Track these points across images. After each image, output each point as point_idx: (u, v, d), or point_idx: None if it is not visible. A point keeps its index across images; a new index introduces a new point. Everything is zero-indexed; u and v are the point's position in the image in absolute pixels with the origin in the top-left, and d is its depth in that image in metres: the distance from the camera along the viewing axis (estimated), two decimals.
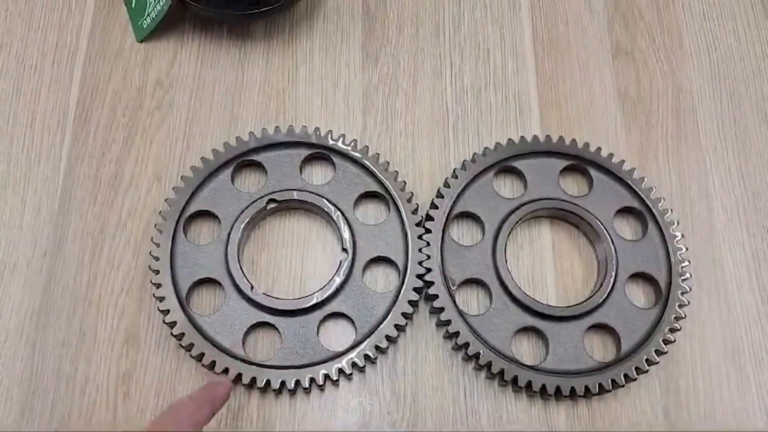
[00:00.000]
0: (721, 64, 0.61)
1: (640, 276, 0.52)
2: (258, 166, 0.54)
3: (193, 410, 0.38)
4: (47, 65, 0.57)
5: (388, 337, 0.49)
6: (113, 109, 0.56)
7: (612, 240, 0.53)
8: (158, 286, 0.49)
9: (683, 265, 0.51)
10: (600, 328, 0.51)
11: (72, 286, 0.51)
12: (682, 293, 0.51)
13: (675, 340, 0.49)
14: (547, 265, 0.53)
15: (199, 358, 0.48)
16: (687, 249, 0.52)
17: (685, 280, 0.51)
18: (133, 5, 0.58)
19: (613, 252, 0.52)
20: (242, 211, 0.52)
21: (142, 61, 0.58)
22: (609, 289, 0.51)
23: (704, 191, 0.56)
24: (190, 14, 0.58)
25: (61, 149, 0.55)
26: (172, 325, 0.48)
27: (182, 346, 0.48)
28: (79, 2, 0.59)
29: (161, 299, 0.49)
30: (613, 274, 0.51)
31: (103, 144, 0.55)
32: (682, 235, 0.52)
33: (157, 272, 0.49)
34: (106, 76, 0.57)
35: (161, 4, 0.55)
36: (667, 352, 0.49)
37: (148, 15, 0.56)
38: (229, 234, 0.51)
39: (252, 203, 0.52)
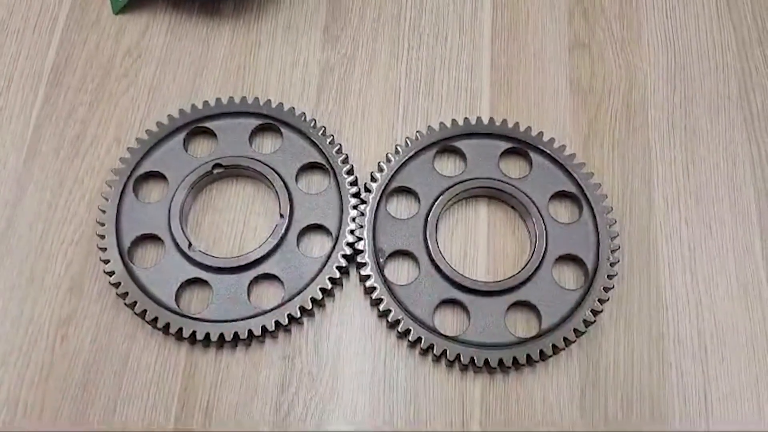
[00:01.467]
0: (678, 59, 0.61)
1: (569, 258, 0.53)
2: (210, 133, 0.57)
3: None
4: (28, 30, 0.62)
5: (313, 300, 0.50)
6: (84, 75, 0.60)
7: (544, 222, 0.53)
8: (102, 237, 0.52)
9: (613, 249, 0.52)
10: (523, 305, 0.51)
11: (27, 234, 0.54)
12: (609, 276, 0.51)
13: (595, 321, 0.50)
14: (480, 243, 0.54)
15: (133, 306, 0.50)
16: (619, 235, 0.53)
17: (612, 264, 0.51)
18: None
19: (544, 232, 0.53)
20: (189, 173, 0.55)
21: (115, 31, 0.61)
22: (535, 268, 0.52)
23: (646, 181, 0.56)
24: None
25: (32, 109, 0.59)
26: (111, 274, 0.51)
27: (119, 295, 0.51)
28: None
29: (104, 250, 0.52)
30: (542, 253, 0.52)
31: (70, 106, 0.59)
32: (616, 221, 0.53)
33: (102, 224, 0.52)
34: (81, 43, 0.61)
35: None
36: (585, 332, 0.49)
37: None
38: (174, 193, 0.54)
39: (199, 166, 0.55)
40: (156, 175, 0.55)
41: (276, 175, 0.55)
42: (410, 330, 0.49)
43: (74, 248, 0.54)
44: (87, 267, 0.53)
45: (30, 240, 0.54)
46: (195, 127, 0.56)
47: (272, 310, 0.50)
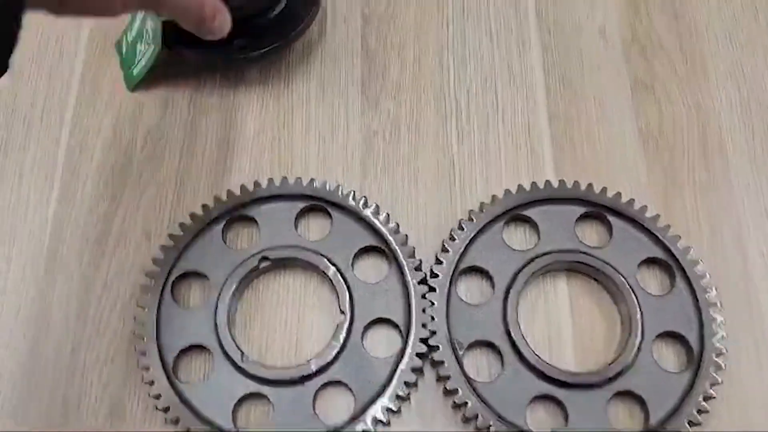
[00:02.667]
0: (751, 94, 0.56)
1: (668, 335, 0.48)
2: (250, 220, 0.51)
3: None
4: (36, 116, 0.55)
5: (389, 410, 0.45)
6: (103, 162, 0.54)
7: (636, 295, 0.48)
8: (143, 353, 0.46)
9: (716, 322, 0.46)
10: (625, 395, 0.46)
11: (55, 357, 0.48)
12: (717, 355, 0.46)
13: (710, 410, 0.44)
14: (564, 324, 0.49)
15: None
16: (720, 304, 0.47)
17: (719, 339, 0.46)
18: (124, 53, 0.56)
19: (638, 308, 0.47)
20: (233, 271, 0.49)
21: (132, 110, 0.55)
22: (635, 352, 0.46)
23: (737, 237, 0.51)
24: (182, 61, 0.56)
25: (48, 205, 0.52)
26: (157, 397, 0.45)
27: (169, 421, 0.45)
28: (69, 52, 0.58)
29: (146, 369, 0.46)
30: (639, 333, 0.47)
31: (91, 199, 0.52)
32: (715, 289, 0.47)
33: (142, 338, 0.46)
34: (95, 127, 0.55)
35: (150, 51, 0.52)
36: (701, 423, 0.44)
37: (138, 62, 0.54)
38: (219, 296, 0.48)
39: (243, 262, 0.49)
40: (195, 275, 0.49)
41: (330, 264, 0.49)
42: None
43: (110, 367, 0.48)
44: (127, 388, 0.47)
45: (58, 363, 0.48)
46: (233, 215, 0.51)
47: (345, 425, 0.44)
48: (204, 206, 0.50)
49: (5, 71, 0.32)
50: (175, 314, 0.48)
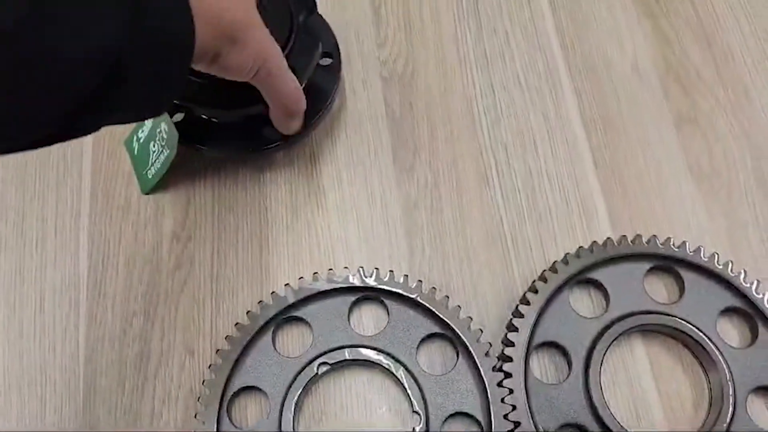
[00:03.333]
0: None
1: (761, 390, 0.45)
2: (300, 321, 0.47)
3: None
4: (49, 234, 0.51)
5: None
6: (128, 276, 0.50)
7: (719, 350, 0.45)
8: None
9: None
10: None
11: None
12: None
13: None
14: (649, 391, 0.46)
15: None
16: None
17: None
18: (135, 152, 0.52)
19: (724, 365, 0.45)
20: (291, 383, 0.45)
21: (152, 214, 0.51)
22: (730, 413, 0.44)
23: None
24: (200, 154, 0.52)
25: (77, 332, 0.48)
26: None
27: None
28: (75, 158, 0.53)
29: None
30: (731, 393, 0.44)
31: (123, 319, 0.48)
32: None
33: None
34: (115, 237, 0.51)
35: (165, 155, 0.48)
36: None
37: (153, 165, 0.50)
38: (281, 411, 0.44)
39: (301, 371, 0.45)
40: (251, 390, 0.46)
41: (394, 361, 0.45)
42: None
43: None
44: None
45: None
46: (281, 319, 0.47)
47: None
48: (249, 313, 0.46)
49: (161, 113, 0.38)
50: None
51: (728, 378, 0.44)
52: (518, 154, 0.53)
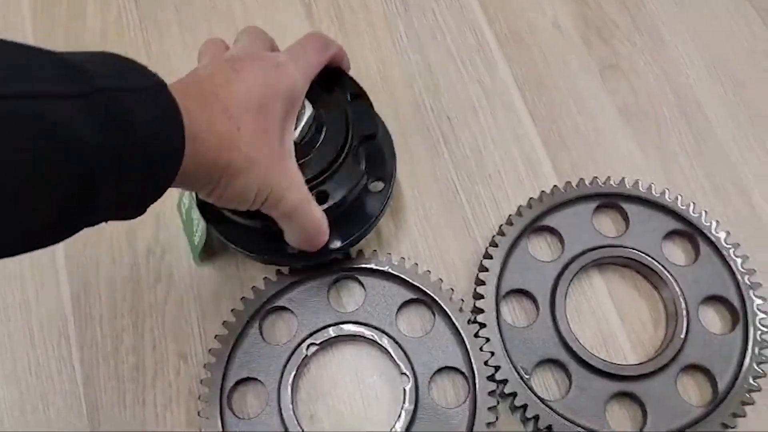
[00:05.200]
0: (711, 50, 0.58)
1: (710, 300, 0.49)
2: (283, 309, 0.50)
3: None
4: (26, 270, 0.53)
5: None
6: (112, 296, 0.51)
7: (668, 271, 0.49)
8: None
9: (749, 274, 0.48)
10: (690, 369, 0.47)
11: None
12: (759, 306, 0.48)
13: None
14: (612, 319, 0.50)
15: None
16: (748, 256, 0.49)
17: (757, 291, 0.48)
18: (183, 217, 0.51)
19: (674, 283, 0.49)
20: (284, 367, 0.48)
21: (125, 234, 0.53)
22: (685, 325, 0.48)
23: (740, 187, 0.53)
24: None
25: (70, 357, 0.50)
26: None
27: None
28: None
29: None
30: (683, 307, 0.48)
31: (113, 337, 0.50)
32: (738, 244, 0.49)
33: None
34: (92, 263, 0.53)
35: (203, 222, 0.47)
36: (765, 374, 0.46)
37: (196, 232, 0.49)
38: (279, 396, 0.47)
39: (292, 355, 0.48)
40: (247, 381, 0.48)
41: (376, 331, 0.48)
42: None
43: None
44: None
45: None
46: (265, 310, 0.49)
47: None
48: (234, 310, 0.49)
49: (141, 215, 0.35)
50: (241, 428, 0.46)
51: (679, 293, 0.49)
52: (462, 124, 0.56)
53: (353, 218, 0.47)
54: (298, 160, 0.42)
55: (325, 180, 0.43)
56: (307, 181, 0.42)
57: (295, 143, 0.42)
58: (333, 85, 0.46)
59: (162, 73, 0.33)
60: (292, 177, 0.41)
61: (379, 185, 0.49)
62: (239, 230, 0.46)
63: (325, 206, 0.43)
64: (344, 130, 0.44)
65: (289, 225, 0.42)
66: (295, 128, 0.42)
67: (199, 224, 0.48)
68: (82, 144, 0.28)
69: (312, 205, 0.42)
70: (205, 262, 0.52)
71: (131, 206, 0.34)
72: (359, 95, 0.46)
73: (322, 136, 0.44)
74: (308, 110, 0.43)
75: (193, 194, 0.47)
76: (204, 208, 0.46)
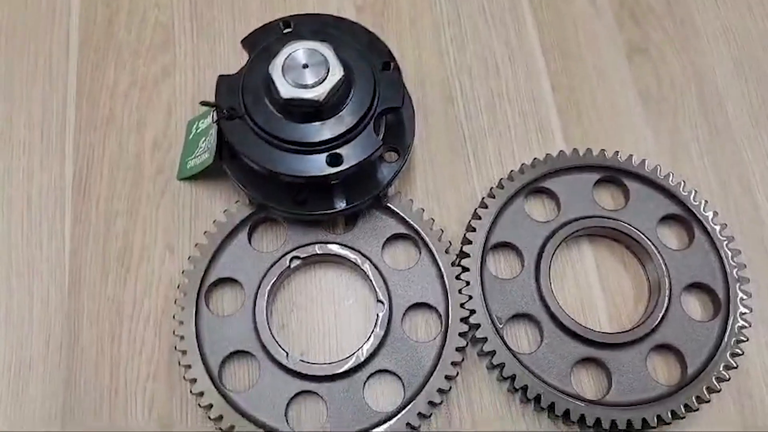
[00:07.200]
0: (742, 47, 0.58)
1: (694, 287, 0.49)
2: (274, 221, 0.51)
3: None
4: (36, 140, 0.54)
5: (440, 390, 0.45)
6: (113, 180, 0.53)
7: (659, 252, 0.50)
8: (188, 367, 0.45)
9: (738, 268, 0.48)
10: (662, 348, 0.48)
11: (94, 377, 0.47)
12: (743, 299, 0.48)
13: (743, 352, 0.46)
14: (594, 288, 0.50)
15: None
16: (740, 251, 0.49)
17: (743, 285, 0.48)
18: (189, 137, 0.52)
19: (663, 264, 0.49)
20: (265, 274, 0.48)
21: (136, 123, 0.54)
22: (665, 306, 0.48)
23: (746, 185, 0.53)
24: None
25: (63, 229, 0.51)
26: (209, 407, 0.45)
27: (222, 430, 0.44)
28: (61, 70, 0.56)
29: (193, 381, 0.45)
30: (667, 288, 0.48)
31: (106, 218, 0.51)
32: (732, 237, 0.49)
33: (184, 352, 0.46)
34: (99, 144, 0.54)
35: (205, 155, 0.49)
36: (737, 366, 0.46)
37: (194, 158, 0.51)
38: (255, 300, 0.48)
39: (274, 263, 0.49)
40: (227, 281, 0.49)
41: (361, 256, 0.49)
42: (554, 403, 0.45)
43: (153, 383, 0.47)
44: (173, 402, 0.47)
45: (98, 388, 0.47)
46: (257, 218, 0.50)
47: (398, 411, 0.45)
48: (226, 212, 0.50)
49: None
50: (213, 324, 0.47)
51: (665, 274, 0.49)
52: (482, 78, 0.57)
53: (361, 182, 0.48)
54: (320, 120, 0.43)
55: (342, 144, 0.44)
56: (324, 143, 0.43)
57: (321, 103, 0.43)
58: (368, 50, 0.47)
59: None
60: None
61: (393, 155, 0.49)
62: (248, 173, 0.47)
63: (337, 169, 0.44)
64: (370, 99, 0.45)
65: None
66: (323, 89, 0.42)
67: (202, 155, 0.49)
68: None
69: None
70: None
71: None
72: (391, 65, 0.47)
73: (348, 100, 0.44)
74: (339, 73, 0.43)
75: (214, 124, 0.47)
76: (222, 147, 0.47)
